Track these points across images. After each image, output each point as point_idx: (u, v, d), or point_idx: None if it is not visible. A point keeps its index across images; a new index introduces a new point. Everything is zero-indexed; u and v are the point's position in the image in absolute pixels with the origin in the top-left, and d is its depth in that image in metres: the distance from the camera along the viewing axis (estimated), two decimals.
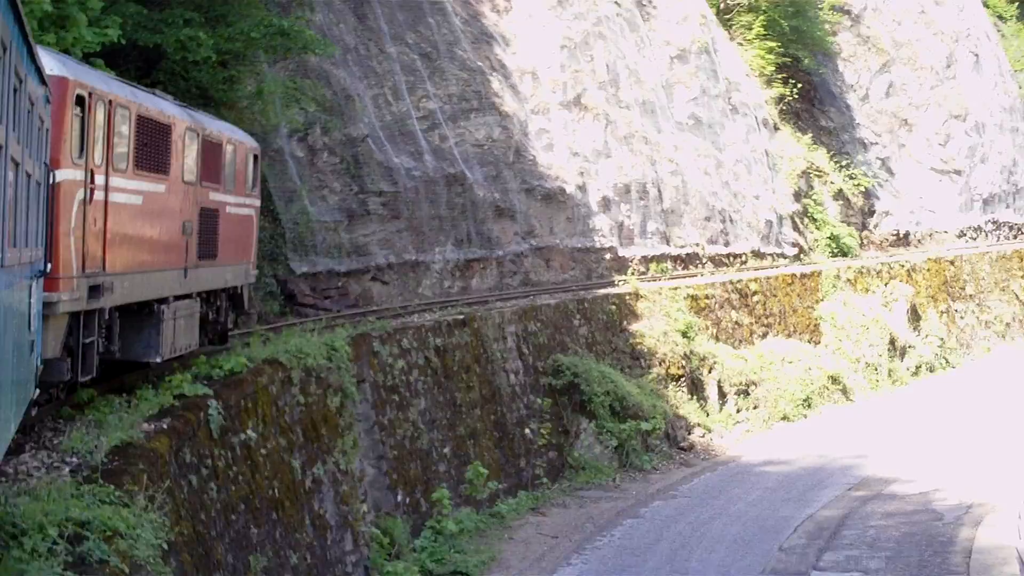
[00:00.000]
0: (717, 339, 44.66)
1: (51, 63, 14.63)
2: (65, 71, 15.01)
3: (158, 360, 18.70)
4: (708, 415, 41.53)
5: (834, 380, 47.77)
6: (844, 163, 63.93)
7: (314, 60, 37.56)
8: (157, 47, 27.81)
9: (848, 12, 69.61)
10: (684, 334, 42.37)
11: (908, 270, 57.46)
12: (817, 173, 61.88)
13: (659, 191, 50.48)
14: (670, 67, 54.65)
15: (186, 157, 19.61)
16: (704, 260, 52.19)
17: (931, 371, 54.54)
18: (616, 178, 48.01)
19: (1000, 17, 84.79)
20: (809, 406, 45.54)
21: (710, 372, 42.60)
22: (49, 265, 13.90)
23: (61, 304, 14.71)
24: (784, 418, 44.10)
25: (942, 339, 56.56)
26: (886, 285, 55.33)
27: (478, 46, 44.57)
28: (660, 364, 40.69)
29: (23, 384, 12.06)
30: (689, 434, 39.93)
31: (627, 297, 41.74)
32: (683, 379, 41.26)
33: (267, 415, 21.33)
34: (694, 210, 52.40)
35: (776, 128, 61.00)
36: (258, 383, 21.21)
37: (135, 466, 14.63)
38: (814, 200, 60.93)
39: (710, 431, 40.83)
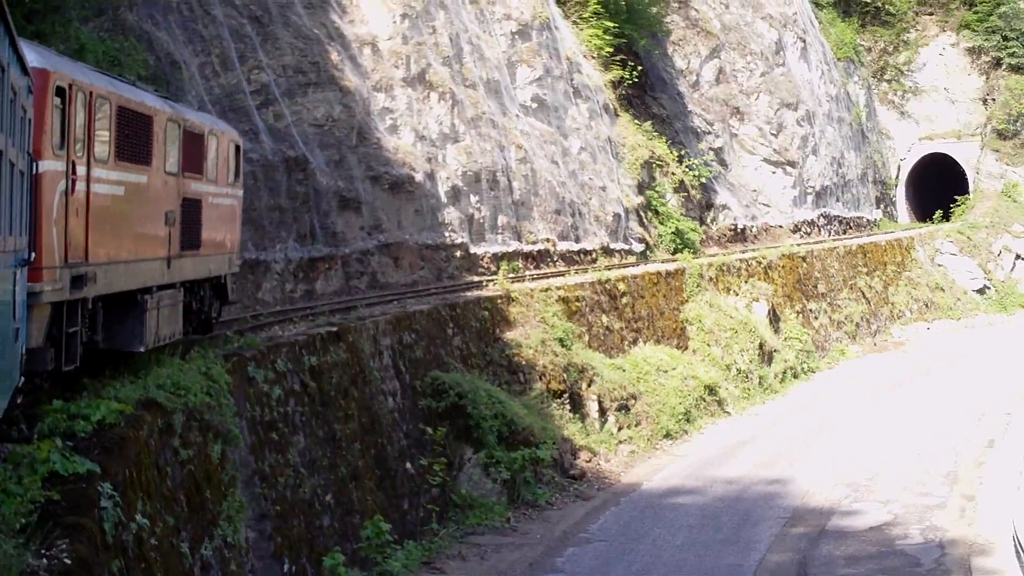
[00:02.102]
0: (591, 347, 39.26)
1: (31, 55, 14.49)
2: (46, 63, 14.92)
3: (142, 349, 18.35)
4: (589, 435, 36.09)
5: (710, 391, 42.90)
6: (681, 153, 59.34)
7: (132, 19, 30.99)
8: None
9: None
10: (562, 342, 36.88)
11: (765, 267, 53.05)
12: (658, 163, 57.14)
13: (509, 180, 44.92)
14: (511, 43, 49.09)
15: (168, 148, 19.47)
16: (555, 257, 46.90)
17: (795, 377, 50.20)
18: (465, 165, 42.24)
19: (817, 4, 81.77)
20: (689, 420, 40.55)
21: (589, 386, 37.19)
22: (33, 255, 13.90)
23: (44, 294, 14.56)
24: (667, 435, 39.04)
25: (802, 342, 52.34)
26: (746, 283, 50.80)
27: (313, 12, 38.18)
28: (540, 378, 35.10)
29: (8, 371, 12.12)
30: (575, 459, 34.43)
31: (499, 301, 36.01)
32: (565, 395, 35.74)
33: (151, 484, 14.96)
34: (544, 202, 47.00)
35: (616, 114, 56.00)
36: (139, 439, 14.80)
37: None
38: (657, 192, 56.18)
39: (595, 454, 35.41)
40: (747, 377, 46.43)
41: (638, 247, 52.72)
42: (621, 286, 42.73)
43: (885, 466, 35.51)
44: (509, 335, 35.34)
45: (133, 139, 17.76)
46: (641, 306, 43.78)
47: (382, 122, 39.18)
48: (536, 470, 31.52)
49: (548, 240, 46.62)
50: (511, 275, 40.56)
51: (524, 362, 34.86)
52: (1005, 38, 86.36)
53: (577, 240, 48.66)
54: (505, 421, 31.06)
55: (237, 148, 24.54)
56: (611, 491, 33.17)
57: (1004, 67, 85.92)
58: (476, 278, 39.50)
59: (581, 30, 55.53)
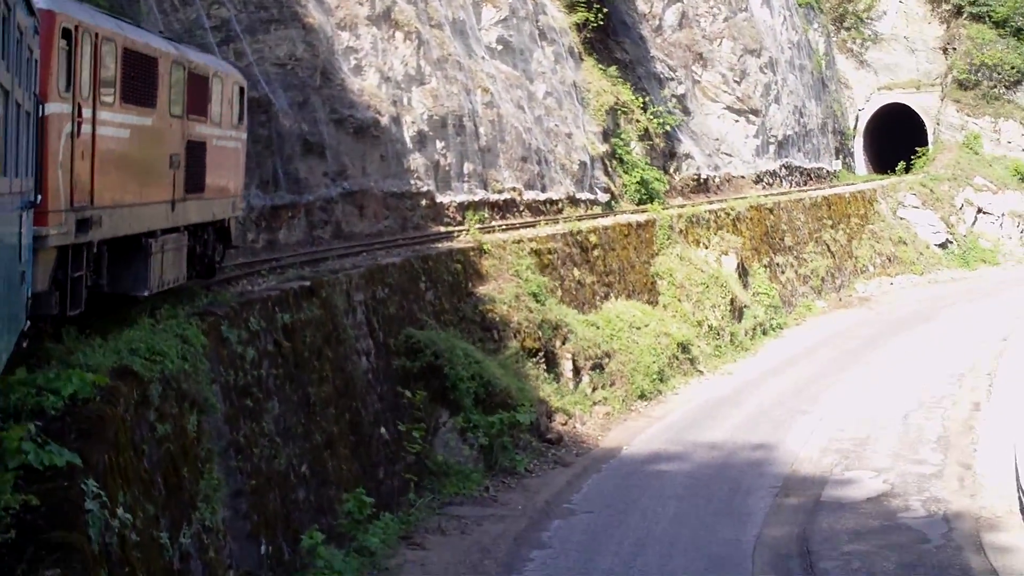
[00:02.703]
0: (563, 302, 37.45)
1: None
2: (52, 4, 14.61)
3: (146, 294, 18.17)
4: (563, 396, 34.35)
5: (683, 348, 41.25)
6: (645, 100, 57.41)
7: None
8: None
9: None
10: (536, 297, 35.07)
11: (734, 219, 51.39)
12: (623, 110, 55.20)
13: (475, 126, 42.91)
14: None
15: (173, 90, 19.16)
16: (522, 207, 44.99)
17: (764, 334, 48.68)
18: (432, 109, 40.18)
19: None
20: (663, 380, 38.91)
21: (563, 344, 35.43)
22: (39, 198, 13.69)
23: (50, 238, 14.40)
24: (642, 396, 37.40)
25: (771, 297, 50.80)
26: (715, 235, 49.13)
27: None
28: (515, 336, 33.29)
29: (14, 315, 11.90)
30: (551, 422, 32.70)
31: (471, 254, 34.11)
32: (540, 353, 33.96)
33: (129, 468, 13.04)
34: (510, 149, 45.02)
35: (581, 58, 53.97)
36: (116, 416, 12.84)
37: None
38: (622, 140, 54.29)
39: (570, 416, 33.71)
40: (719, 334, 44.85)
41: (604, 197, 50.89)
42: (593, 238, 40.93)
43: (872, 431, 34.08)
44: (482, 290, 33.50)
45: (138, 82, 17.50)
46: (612, 259, 42.02)
47: (346, 62, 37.04)
48: (514, 435, 29.75)
49: (515, 189, 44.71)
50: (479, 225, 38.65)
51: (498, 318, 33.04)
52: None
53: (543, 189, 46.78)
54: (482, 382, 29.29)
55: (241, 90, 24.11)
56: (590, 456, 31.49)
57: (965, 16, 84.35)
58: (444, 228, 37.61)
59: None
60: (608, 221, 43.69)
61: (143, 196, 17.99)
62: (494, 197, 43.34)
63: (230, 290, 22.65)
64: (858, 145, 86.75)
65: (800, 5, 77.97)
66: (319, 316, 24.57)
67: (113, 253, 17.31)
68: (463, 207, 41.22)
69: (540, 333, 34.19)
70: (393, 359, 28.03)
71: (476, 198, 42.18)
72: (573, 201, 48.49)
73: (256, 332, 21.45)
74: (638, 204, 52.31)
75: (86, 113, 15.42)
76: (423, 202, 39.09)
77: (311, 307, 24.29)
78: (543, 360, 33.89)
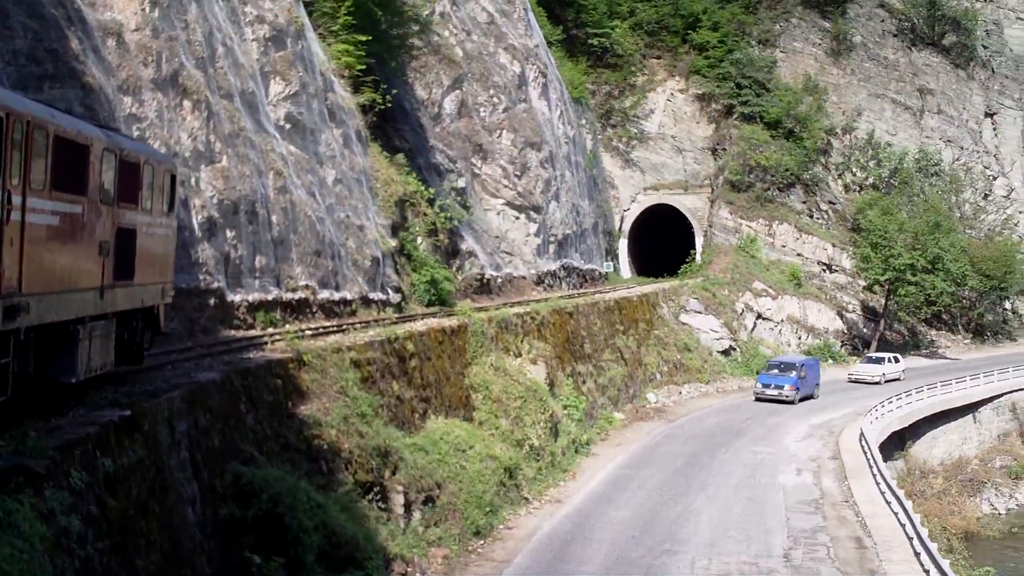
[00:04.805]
0: (387, 422, 31.67)
1: None
2: None
3: (73, 381, 17.84)
4: (395, 537, 28.48)
5: (509, 474, 35.92)
6: (432, 193, 52.32)
7: None
8: None
9: (415, 18, 57.06)
10: (364, 418, 29.24)
11: (538, 324, 46.48)
12: (411, 202, 49.95)
13: (268, 213, 36.95)
14: (264, 51, 41.05)
15: (103, 177, 18.99)
16: (315, 308, 39.11)
17: (577, 452, 43.79)
18: (223, 192, 34.09)
19: (547, 43, 76.17)
20: (493, 511, 33.50)
21: (394, 474, 29.59)
22: None
23: None
24: (477, 532, 32.00)
25: (579, 410, 46.05)
26: (522, 342, 44.09)
27: None
28: (347, 467, 27.32)
29: None
30: (391, 573, 26.77)
31: (290, 366, 28.03)
32: (375, 488, 28.10)
33: None
34: (304, 240, 39.17)
35: (367, 143, 48.54)
36: None
37: None
38: (410, 234, 49.04)
39: (408, 563, 27.84)
40: (539, 454, 39.65)
41: (395, 297, 45.40)
42: (410, 346, 35.31)
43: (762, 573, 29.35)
44: (305, 410, 27.44)
45: (69, 169, 17.37)
46: (429, 370, 36.46)
47: (129, 131, 30.65)
48: None
49: (308, 287, 38.80)
50: (270, 326, 32.81)
51: (326, 446, 27.03)
52: (738, 85, 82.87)
53: (337, 288, 40.99)
54: (327, 532, 23.24)
55: (173, 178, 23.96)
56: None
57: (736, 116, 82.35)
58: (249, 333, 31.50)
59: (329, 44, 47.81)
60: (421, 326, 38.14)
61: (72, 283, 17.63)
62: (287, 296, 37.40)
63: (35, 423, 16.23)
64: (623, 247, 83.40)
65: (573, 99, 74.39)
66: (143, 458, 18.28)
67: (40, 340, 17.00)
68: (254, 307, 35.18)
69: (372, 463, 28.31)
70: (221, 506, 21.74)
71: (269, 296, 36.17)
72: (366, 302, 42.85)
73: (79, 491, 15.15)
74: (427, 306, 47.07)
75: (16, 200, 15.24)
76: (211, 300, 32.89)
77: (134, 447, 18.00)
78: (379, 496, 27.99)
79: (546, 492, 38.04)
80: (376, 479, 28.40)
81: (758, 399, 59.64)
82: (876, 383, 67.35)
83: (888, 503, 36.23)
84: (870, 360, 71.24)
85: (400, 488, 29.62)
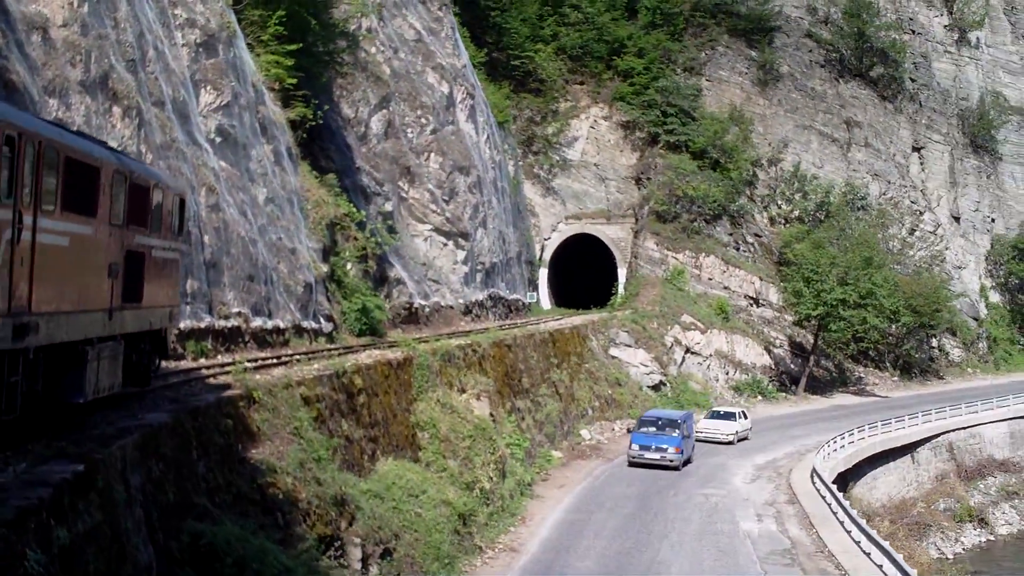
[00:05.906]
0: (339, 466, 28.63)
1: None
2: None
3: (81, 401, 17.90)
4: None
5: (463, 520, 33.02)
6: (362, 216, 49.38)
7: None
8: None
9: (345, 32, 53.92)
10: (319, 463, 26.19)
11: (480, 357, 43.62)
12: (341, 225, 46.96)
13: (200, 233, 33.82)
14: (195, 57, 37.91)
15: (114, 200, 18.97)
16: (248, 338, 35.99)
17: (522, 494, 40.97)
18: None
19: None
20: (451, 563, 30.57)
21: (351, 525, 26.54)
22: None
23: None
24: None
25: (522, 448, 43.26)
26: (465, 376, 41.23)
27: None
28: (305, 519, 24.22)
29: None
30: None
31: (240, 404, 24.89)
32: (336, 542, 25.03)
33: None
34: (236, 263, 36.09)
35: (298, 161, 45.46)
36: None
37: None
38: (341, 259, 46.05)
39: None
40: (489, 498, 36.77)
41: (327, 326, 42.37)
42: (358, 380, 32.28)
43: None
44: (257, 454, 24.32)
45: (80, 190, 17.39)
46: (376, 407, 33.45)
47: None
48: None
49: (240, 315, 35.67)
50: (202, 357, 29.76)
51: (282, 495, 23.93)
52: (664, 113, 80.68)
53: (270, 315, 37.89)
54: None
55: (182, 202, 24.08)
56: None
57: (661, 144, 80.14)
58: (181, 364, 28.28)
59: (259, 55, 44.68)
60: (366, 358, 35.08)
61: (81, 304, 17.64)
62: (220, 324, 34.27)
63: None
64: (543, 277, 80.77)
65: (498, 123, 71.76)
66: (99, 523, 15.17)
67: (50, 359, 17.01)
68: (184, 335, 32.01)
69: (331, 513, 25.26)
70: (178, 572, 18.56)
71: (202, 324, 33.03)
72: (299, 331, 39.82)
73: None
74: (358, 335, 44.16)
75: (27, 220, 15.33)
76: None
77: (90, 509, 14.90)
78: (338, 551, 24.94)
79: (498, 539, 35.22)
80: (335, 531, 25.35)
81: (632, 464, 49.24)
82: (729, 443, 56.99)
83: (867, 553, 33.93)
84: (716, 415, 60.10)
85: (357, 541, 26.56)
